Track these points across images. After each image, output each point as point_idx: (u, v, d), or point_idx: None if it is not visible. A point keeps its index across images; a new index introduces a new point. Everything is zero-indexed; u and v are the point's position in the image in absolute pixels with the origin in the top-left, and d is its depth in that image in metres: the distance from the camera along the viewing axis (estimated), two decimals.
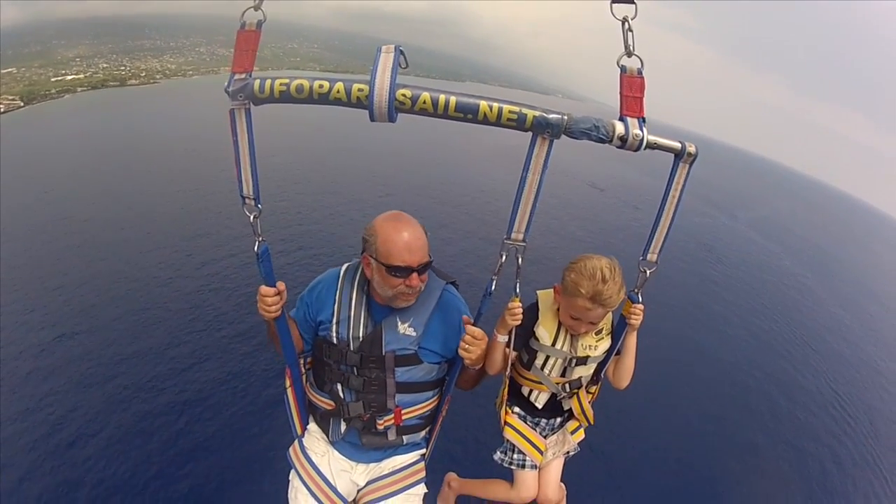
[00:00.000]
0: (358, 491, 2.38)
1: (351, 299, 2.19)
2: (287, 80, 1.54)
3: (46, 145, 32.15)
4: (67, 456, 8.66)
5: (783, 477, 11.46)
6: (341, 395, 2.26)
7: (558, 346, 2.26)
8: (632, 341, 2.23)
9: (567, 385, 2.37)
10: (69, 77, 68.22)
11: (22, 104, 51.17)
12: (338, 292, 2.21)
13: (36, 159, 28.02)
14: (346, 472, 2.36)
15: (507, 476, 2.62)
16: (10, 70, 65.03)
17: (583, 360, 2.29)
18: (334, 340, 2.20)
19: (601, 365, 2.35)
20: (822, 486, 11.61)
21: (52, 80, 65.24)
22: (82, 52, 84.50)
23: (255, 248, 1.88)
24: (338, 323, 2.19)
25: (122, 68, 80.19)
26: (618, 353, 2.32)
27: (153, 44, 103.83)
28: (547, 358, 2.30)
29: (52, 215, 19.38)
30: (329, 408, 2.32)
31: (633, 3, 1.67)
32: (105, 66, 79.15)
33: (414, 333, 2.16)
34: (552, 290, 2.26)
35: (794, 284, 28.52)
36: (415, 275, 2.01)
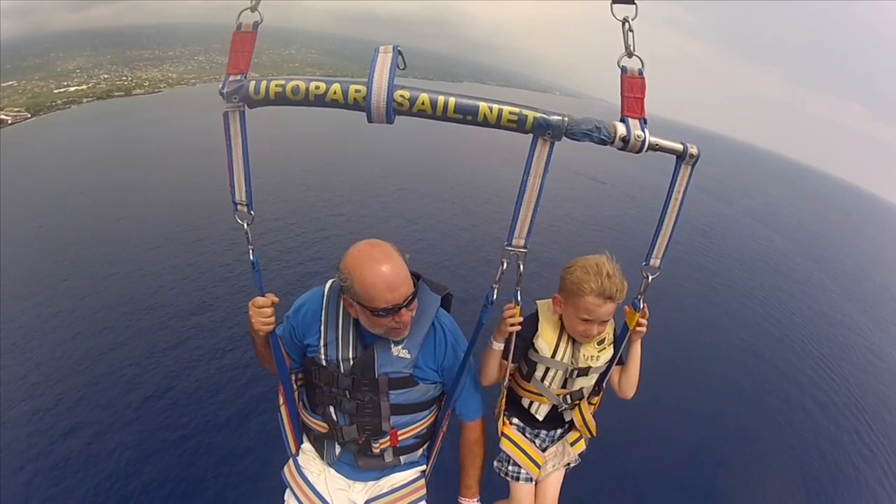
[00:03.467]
0: None
1: (338, 320, 2.08)
2: (283, 82, 1.52)
3: (62, 155, 32.47)
4: (54, 474, 8.53)
5: (786, 468, 11.48)
6: (335, 418, 2.18)
7: (559, 357, 2.20)
8: (636, 350, 2.19)
9: (568, 396, 2.31)
10: (72, 88, 68.46)
11: (29, 115, 51.52)
12: (323, 313, 2.10)
13: (52, 169, 28.34)
14: (344, 491, 2.30)
15: (505, 489, 2.55)
16: (10, 83, 65.23)
17: (584, 371, 2.24)
18: (323, 363, 2.10)
19: (603, 375, 2.29)
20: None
21: (55, 91, 65.40)
22: (81, 63, 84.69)
23: (250, 256, 1.82)
24: (326, 345, 2.09)
25: (124, 78, 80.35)
26: (621, 363, 2.27)
27: (152, 53, 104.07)
28: (547, 370, 2.24)
29: (70, 222, 19.66)
30: (323, 430, 2.24)
31: (634, 3, 1.65)
32: (106, 76, 79.32)
33: (409, 356, 2.07)
34: (551, 300, 2.21)
35: (786, 267, 28.96)
36: (403, 310, 1.88)
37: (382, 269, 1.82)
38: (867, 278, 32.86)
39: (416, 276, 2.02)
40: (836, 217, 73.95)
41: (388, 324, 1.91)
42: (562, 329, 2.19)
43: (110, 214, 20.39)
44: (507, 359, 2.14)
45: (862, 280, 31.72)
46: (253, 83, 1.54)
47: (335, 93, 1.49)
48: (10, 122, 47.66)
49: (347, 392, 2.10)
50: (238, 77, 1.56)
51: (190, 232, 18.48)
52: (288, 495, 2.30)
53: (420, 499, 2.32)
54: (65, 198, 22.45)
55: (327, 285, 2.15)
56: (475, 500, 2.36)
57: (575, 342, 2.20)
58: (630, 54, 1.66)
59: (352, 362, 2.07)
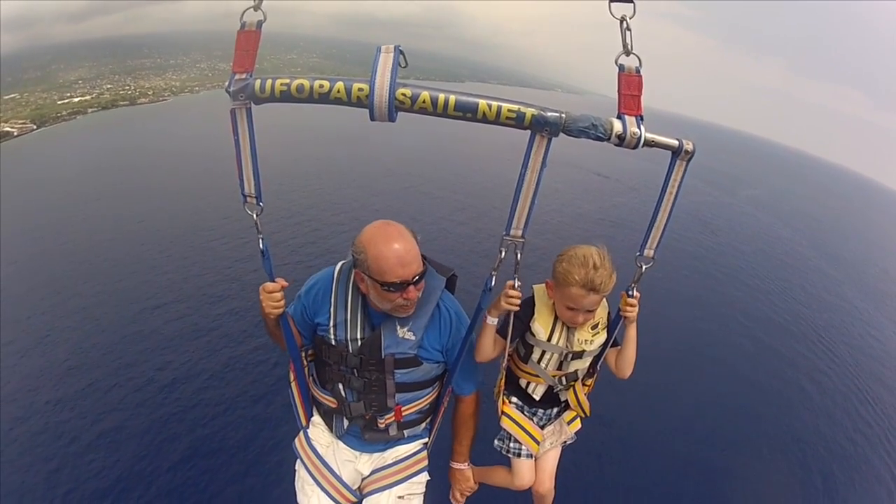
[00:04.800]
0: (362, 479, 2.42)
1: (347, 301, 2.17)
2: (288, 80, 1.56)
3: (73, 164, 32.82)
4: (78, 444, 8.99)
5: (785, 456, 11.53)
6: (343, 394, 2.27)
7: (554, 340, 2.26)
8: (632, 332, 2.22)
9: (563, 378, 2.38)
10: (76, 99, 68.70)
11: (35, 127, 51.98)
12: (333, 294, 2.18)
13: (64, 178, 28.69)
14: (351, 462, 2.40)
15: (507, 463, 2.67)
16: (12, 95, 65.45)
17: (578, 355, 2.30)
18: (332, 342, 2.19)
19: (597, 358, 2.37)
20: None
21: (59, 102, 65.64)
22: (83, 74, 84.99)
23: (260, 245, 1.90)
24: (335, 325, 2.18)
25: (127, 88, 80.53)
26: (616, 345, 2.33)
27: (153, 62, 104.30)
28: (543, 352, 2.31)
29: (86, 228, 20.03)
30: (332, 405, 2.35)
31: (632, 1, 1.67)
32: (109, 86, 79.53)
33: (413, 337, 2.15)
34: (545, 284, 2.26)
35: (785, 254, 29.20)
36: (411, 287, 1.97)
37: (395, 246, 1.91)
38: (869, 263, 33.20)
39: (423, 258, 2.08)
40: (837, 204, 74.19)
41: (396, 300, 1.99)
42: (556, 313, 2.26)
43: (127, 219, 20.77)
44: (504, 338, 2.21)
45: (863, 265, 32.00)
46: (258, 81, 1.58)
47: (339, 91, 1.53)
48: (15, 133, 48.08)
49: (355, 371, 2.19)
50: (244, 75, 1.61)
51: (205, 233, 18.84)
52: (298, 465, 2.43)
53: (422, 470, 2.45)
54: (80, 205, 22.88)
55: (337, 266, 2.23)
56: (466, 464, 2.63)
57: (570, 326, 2.26)
58: (628, 52, 1.69)
59: (360, 343, 2.16)
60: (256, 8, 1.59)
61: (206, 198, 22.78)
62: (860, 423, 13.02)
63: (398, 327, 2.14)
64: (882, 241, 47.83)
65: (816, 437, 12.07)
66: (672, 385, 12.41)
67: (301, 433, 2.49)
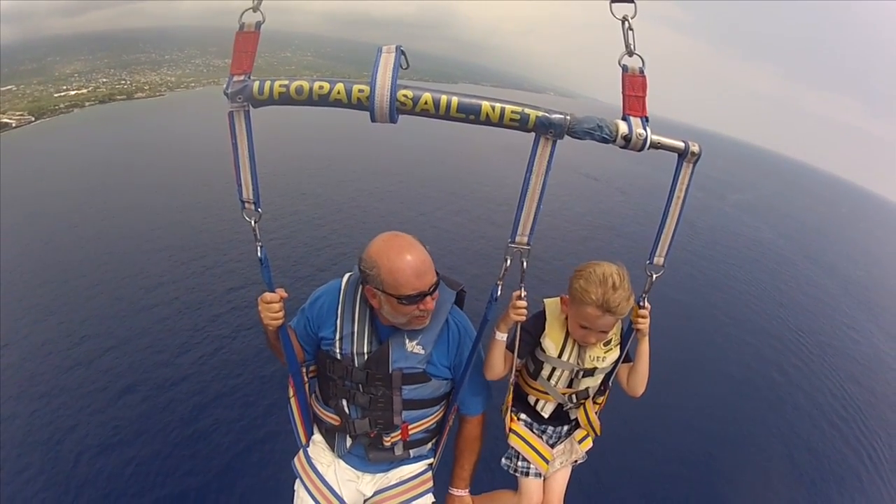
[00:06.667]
0: (365, 501, 2.35)
1: (354, 314, 2.11)
2: (287, 82, 1.52)
3: (74, 157, 32.85)
4: (66, 467, 8.73)
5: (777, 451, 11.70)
6: (347, 411, 2.20)
7: (565, 357, 2.20)
8: (644, 347, 2.15)
9: (574, 396, 2.31)
10: (72, 92, 68.42)
11: (33, 119, 51.88)
12: (340, 307, 2.12)
13: (66, 171, 28.79)
14: (353, 482, 2.33)
15: (513, 484, 2.55)
16: (9, 87, 65.12)
17: (590, 372, 2.23)
18: (338, 356, 2.13)
19: (608, 375, 2.29)
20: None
21: (55, 95, 65.34)
22: (79, 67, 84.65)
23: (258, 253, 1.84)
24: (341, 339, 2.11)
25: (123, 82, 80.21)
26: (627, 361, 2.26)
27: (149, 57, 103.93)
28: (553, 369, 2.24)
29: (93, 221, 20.08)
30: (335, 423, 2.28)
31: (633, 1, 1.65)
32: (105, 80, 79.17)
33: (422, 351, 2.09)
34: (559, 299, 2.20)
35: (767, 254, 29.65)
36: (428, 298, 1.92)
37: (409, 257, 1.86)
38: (856, 268, 33.75)
39: None
40: (826, 209, 75.33)
41: (413, 311, 1.94)
42: (568, 329, 2.20)
43: (128, 211, 20.84)
44: (512, 352, 2.15)
45: (848, 268, 32.46)
46: (257, 83, 1.54)
47: (339, 92, 1.50)
48: (14, 125, 47.99)
49: (361, 386, 2.12)
50: (242, 77, 1.56)
51: (208, 230, 18.81)
52: (298, 485, 2.34)
53: (427, 491, 2.36)
54: (82, 196, 22.95)
55: (344, 279, 2.17)
56: (466, 491, 2.44)
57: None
58: (630, 53, 1.67)
59: (366, 357, 2.10)
60: (255, 9, 1.56)
61: (207, 190, 22.88)
62: (836, 419, 13.26)
63: (407, 341, 2.08)
64: (870, 247, 48.35)
65: (794, 431, 12.31)
66: (669, 388, 12.44)
67: (301, 452, 2.41)
